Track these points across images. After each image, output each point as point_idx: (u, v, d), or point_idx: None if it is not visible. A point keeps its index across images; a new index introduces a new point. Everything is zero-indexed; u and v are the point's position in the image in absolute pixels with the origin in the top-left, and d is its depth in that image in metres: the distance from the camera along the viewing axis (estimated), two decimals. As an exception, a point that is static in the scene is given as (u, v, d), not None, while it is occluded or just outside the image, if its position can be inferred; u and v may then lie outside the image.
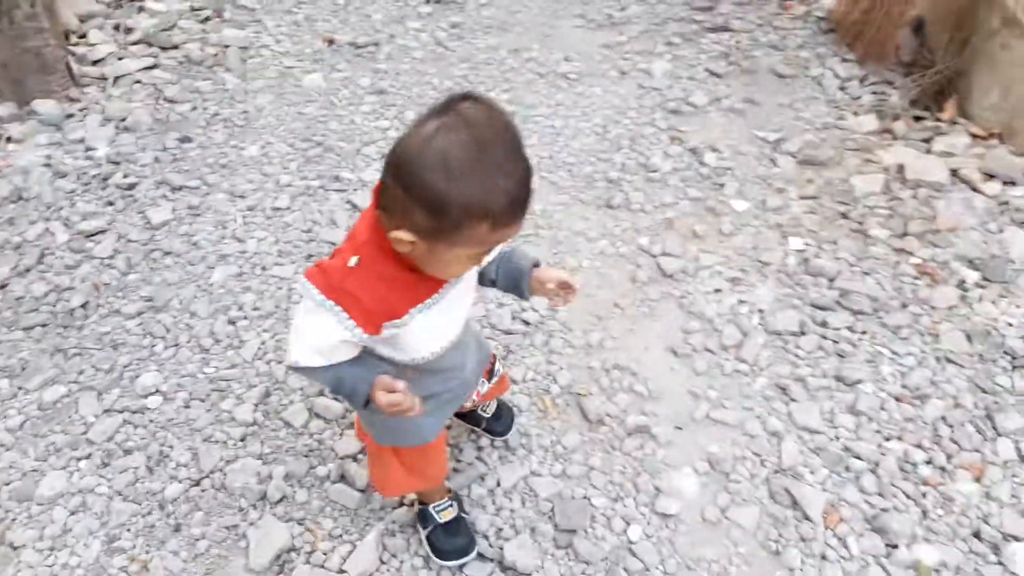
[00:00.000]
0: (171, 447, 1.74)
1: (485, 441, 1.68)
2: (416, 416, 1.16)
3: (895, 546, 1.45)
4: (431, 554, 1.50)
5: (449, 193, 0.95)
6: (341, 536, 1.56)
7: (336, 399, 1.78)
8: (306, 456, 1.70)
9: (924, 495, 1.52)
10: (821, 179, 2.31)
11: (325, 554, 1.52)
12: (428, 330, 1.19)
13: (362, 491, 1.62)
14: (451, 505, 1.52)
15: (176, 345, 1.98)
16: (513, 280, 1.32)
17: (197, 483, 1.67)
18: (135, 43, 3.22)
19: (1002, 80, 2.39)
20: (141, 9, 3.44)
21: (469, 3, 3.41)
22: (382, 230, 1.05)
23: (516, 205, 1.00)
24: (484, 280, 1.35)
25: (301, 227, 2.31)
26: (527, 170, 1.01)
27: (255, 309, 2.05)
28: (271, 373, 1.89)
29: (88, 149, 2.66)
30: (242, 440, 1.75)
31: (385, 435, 1.37)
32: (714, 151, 2.47)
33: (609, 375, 1.82)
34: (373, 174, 2.48)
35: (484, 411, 1.67)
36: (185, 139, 2.69)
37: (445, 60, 3.05)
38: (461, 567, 1.48)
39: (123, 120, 2.78)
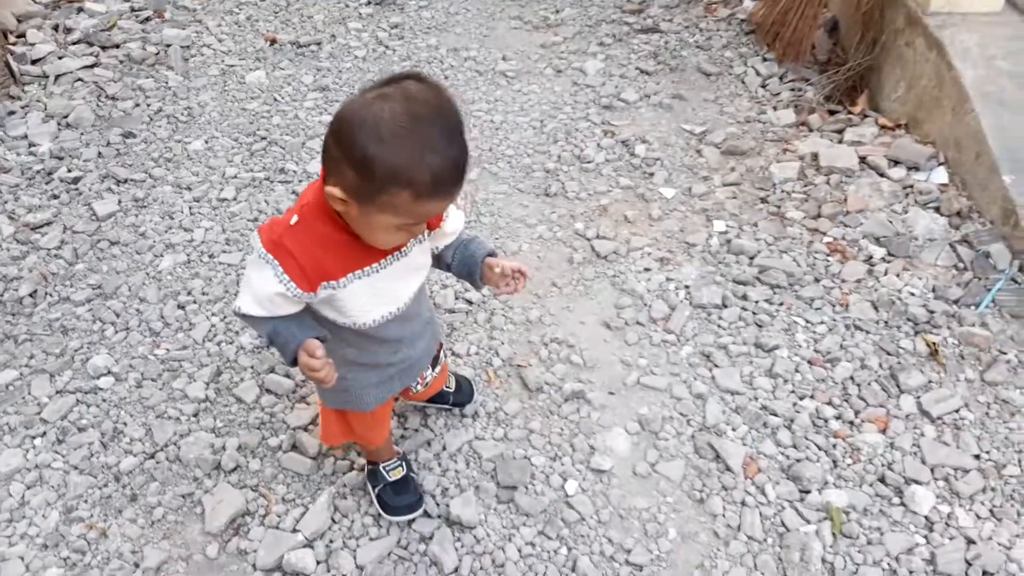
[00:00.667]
0: (124, 424, 1.79)
1: (432, 409, 1.77)
2: (328, 386, 1.24)
3: (808, 491, 1.59)
4: (381, 511, 1.57)
5: (375, 156, 1.02)
6: (294, 500, 1.63)
7: (271, 353, 1.87)
8: (258, 428, 1.77)
9: (834, 446, 1.67)
10: (742, 167, 2.47)
11: (279, 516, 1.59)
12: (368, 297, 1.24)
13: (313, 458, 1.69)
14: (400, 465, 1.59)
15: (127, 329, 2.02)
16: (467, 267, 1.38)
17: (152, 456, 1.72)
18: (75, 43, 3.23)
19: (907, 75, 2.59)
20: (80, 10, 3.46)
21: (409, 5, 3.51)
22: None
23: (439, 181, 1.06)
24: (441, 264, 1.41)
25: (247, 216, 2.37)
26: (459, 152, 1.07)
27: (204, 294, 2.11)
28: (222, 353, 1.95)
29: (31, 145, 2.67)
30: (195, 416, 1.80)
31: (332, 399, 1.44)
32: (644, 143, 2.61)
33: (548, 348, 1.93)
34: (317, 166, 2.55)
35: (448, 387, 1.73)
36: (128, 135, 2.72)
37: (386, 59, 3.14)
38: (409, 523, 1.57)
39: (65, 117, 2.80)
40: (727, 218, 2.28)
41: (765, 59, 3.04)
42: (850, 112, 2.70)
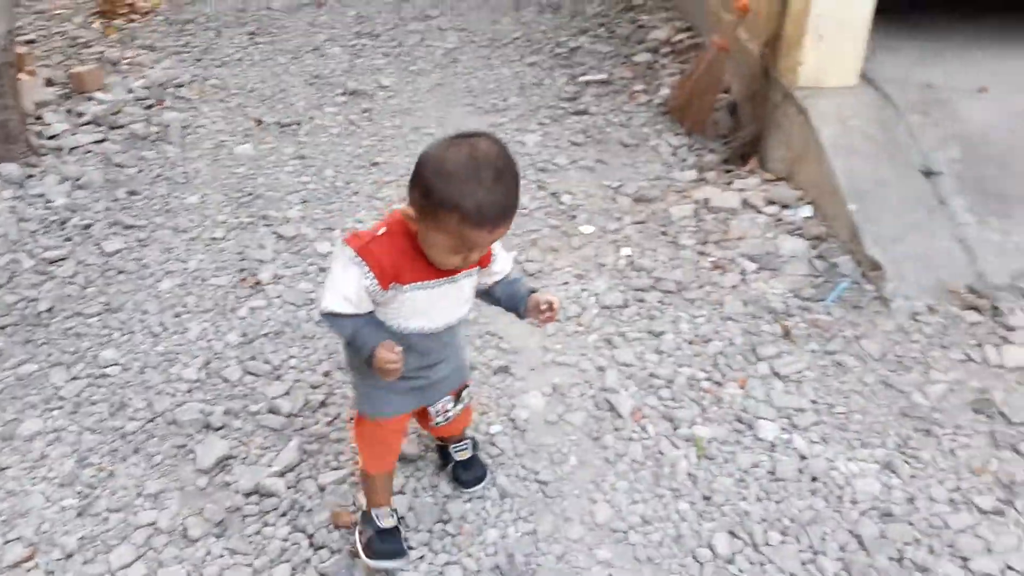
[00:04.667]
0: (130, 399, 2.17)
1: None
2: (390, 379, 1.45)
3: (679, 428, 2.00)
4: (363, 554, 1.67)
5: (436, 184, 1.32)
6: (269, 448, 2.01)
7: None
8: (241, 399, 2.16)
9: (703, 398, 2.09)
10: (648, 210, 2.98)
11: (257, 457, 1.97)
12: (418, 307, 1.48)
13: (286, 416, 2.09)
14: (392, 515, 1.70)
15: (131, 332, 2.43)
16: (513, 301, 1.64)
17: (151, 420, 2.10)
18: (86, 124, 3.74)
19: (784, 139, 3.16)
20: (90, 98, 3.99)
21: (378, 94, 4.09)
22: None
23: (483, 213, 1.30)
24: (490, 298, 1.67)
25: (235, 251, 2.82)
26: (506, 193, 1.33)
27: (197, 306, 2.53)
28: (211, 348, 2.35)
29: (47, 201, 3.13)
30: (188, 392, 2.20)
31: (359, 399, 1.67)
32: (570, 194, 3.13)
33: (482, 339, 2.36)
34: (296, 213, 3.03)
35: (456, 453, 1.86)
36: (133, 192, 3.20)
37: (356, 135, 3.68)
38: (386, 571, 1.69)
39: (78, 180, 3.27)
40: (633, 245, 2.77)
41: (676, 134, 3.61)
42: (741, 171, 3.25)
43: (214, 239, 2.89)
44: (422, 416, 1.75)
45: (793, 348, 2.25)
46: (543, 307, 1.59)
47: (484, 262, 1.57)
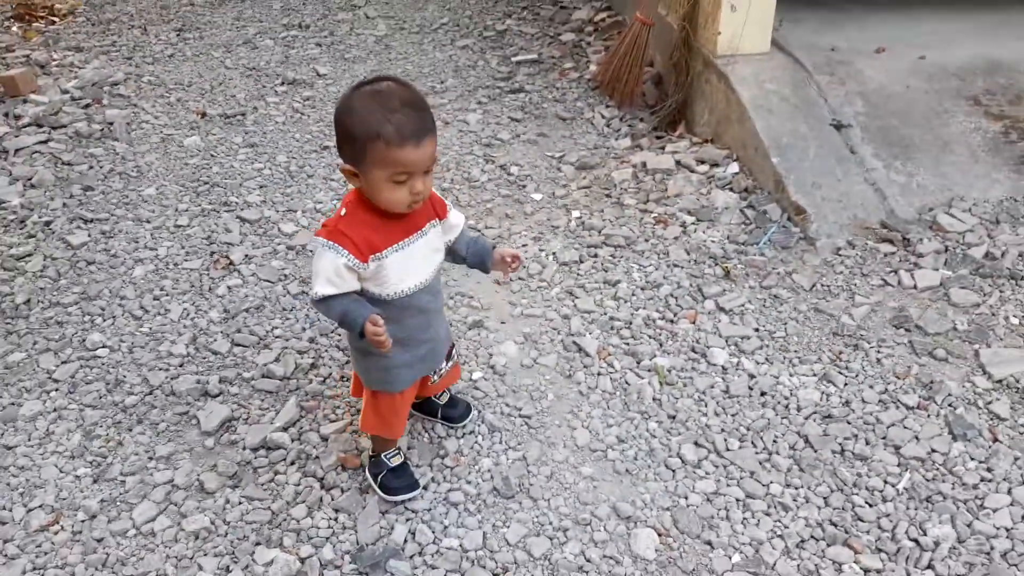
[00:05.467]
0: (124, 376, 2.27)
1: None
2: (386, 352, 1.58)
3: (641, 361, 2.24)
4: (382, 493, 1.84)
5: (352, 125, 1.46)
6: (269, 408, 2.15)
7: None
8: (234, 367, 2.29)
9: (660, 334, 2.33)
10: (591, 176, 3.21)
11: (259, 416, 2.11)
12: (401, 268, 1.61)
13: (281, 379, 2.23)
14: (399, 453, 1.88)
15: (113, 317, 2.52)
16: (479, 257, 1.79)
17: (150, 393, 2.21)
18: (27, 125, 3.74)
19: (708, 104, 3.43)
20: (25, 100, 3.98)
21: (317, 83, 4.20)
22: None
23: (402, 130, 1.43)
24: (456, 257, 1.80)
25: (202, 236, 2.92)
26: (417, 111, 1.45)
27: (175, 288, 2.63)
28: (196, 325, 2.47)
29: (2, 202, 3.15)
30: (181, 366, 2.31)
31: (372, 380, 1.76)
32: (517, 166, 3.33)
33: (454, 299, 2.54)
34: (256, 198, 3.14)
35: (438, 399, 2.03)
36: (88, 188, 3.24)
37: (303, 122, 3.79)
38: (404, 502, 1.85)
39: (29, 179, 3.29)
40: (581, 208, 2.99)
41: (608, 107, 3.85)
42: (671, 136, 3.52)
43: (179, 226, 2.98)
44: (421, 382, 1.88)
45: (734, 286, 2.51)
46: (508, 259, 1.78)
47: (442, 213, 1.72)
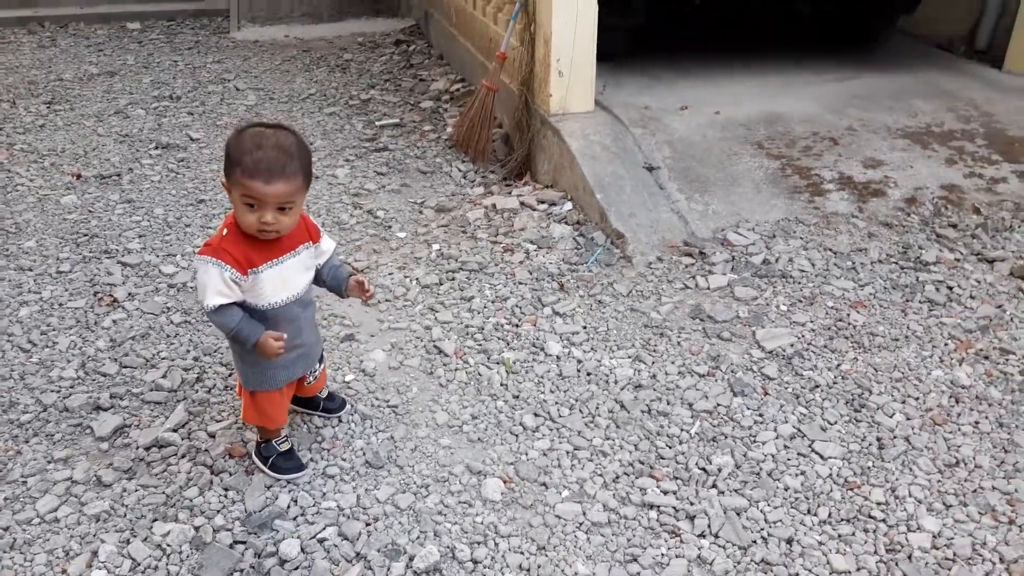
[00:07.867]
0: (17, 399, 2.45)
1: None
2: (275, 359, 1.89)
3: (491, 356, 2.64)
4: (273, 473, 2.10)
5: (230, 151, 1.75)
6: (158, 415, 2.39)
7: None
8: (124, 385, 2.52)
9: (507, 335, 2.75)
10: (449, 216, 3.66)
11: (149, 422, 2.35)
12: (277, 281, 1.88)
13: (169, 391, 2.48)
14: (287, 439, 2.15)
15: (2, 351, 2.69)
16: (337, 282, 2.06)
17: (44, 411, 2.41)
18: None
19: (547, 155, 3.97)
20: None
21: (191, 146, 4.48)
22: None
23: (257, 164, 1.70)
24: (319, 280, 2.05)
25: (84, 280, 3.12)
26: (281, 158, 1.72)
27: (61, 324, 2.83)
28: (84, 353, 2.68)
29: None
30: (72, 387, 2.51)
31: (251, 381, 2.00)
32: (383, 210, 3.73)
33: (327, 319, 2.87)
34: (136, 246, 3.38)
35: (320, 395, 2.30)
36: (-34, 243, 3.38)
37: (179, 180, 4.05)
38: (291, 481, 2.12)
39: (-97, 237, 3.40)
40: (441, 242, 3.41)
41: (464, 162, 4.34)
42: (518, 184, 4.02)
43: (61, 272, 3.17)
44: (298, 384, 2.14)
45: (567, 296, 2.98)
46: (363, 285, 2.05)
47: (315, 237, 1.99)
